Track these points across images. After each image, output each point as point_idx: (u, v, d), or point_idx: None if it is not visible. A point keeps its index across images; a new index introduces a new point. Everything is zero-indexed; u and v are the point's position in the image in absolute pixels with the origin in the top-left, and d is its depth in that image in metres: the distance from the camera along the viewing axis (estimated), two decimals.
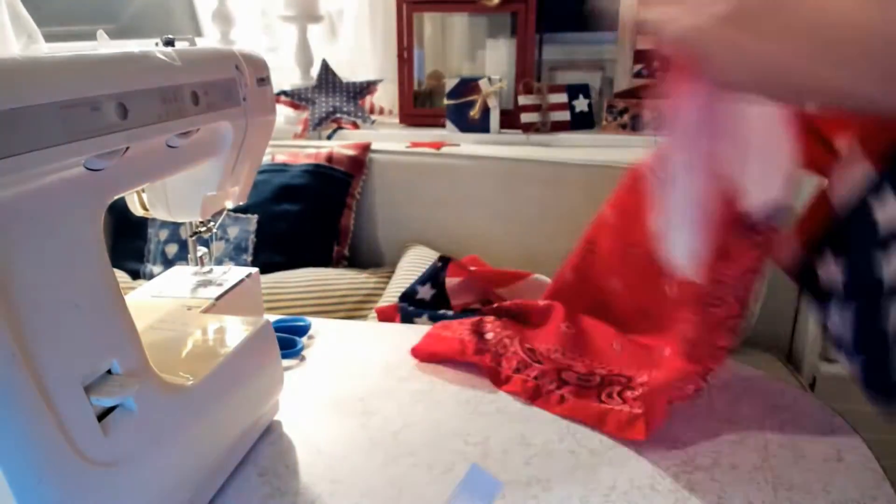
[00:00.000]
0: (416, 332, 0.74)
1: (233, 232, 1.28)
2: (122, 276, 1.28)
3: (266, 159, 1.36)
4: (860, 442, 0.54)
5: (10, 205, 0.33)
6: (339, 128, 1.51)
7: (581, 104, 1.48)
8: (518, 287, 0.92)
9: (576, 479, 0.50)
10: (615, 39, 1.49)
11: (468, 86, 1.43)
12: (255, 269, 0.65)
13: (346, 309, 1.17)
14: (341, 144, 1.39)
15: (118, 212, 1.33)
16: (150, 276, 1.26)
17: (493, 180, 1.33)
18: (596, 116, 1.50)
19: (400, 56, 1.51)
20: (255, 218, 1.28)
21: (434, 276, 0.92)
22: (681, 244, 0.50)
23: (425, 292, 0.91)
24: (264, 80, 0.55)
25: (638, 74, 1.48)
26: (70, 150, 0.34)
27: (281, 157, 1.37)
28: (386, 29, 1.61)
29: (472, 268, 0.94)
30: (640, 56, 1.47)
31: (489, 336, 0.68)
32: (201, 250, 0.62)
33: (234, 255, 1.26)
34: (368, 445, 0.54)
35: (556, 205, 1.29)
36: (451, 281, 0.91)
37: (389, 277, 1.25)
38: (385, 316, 0.91)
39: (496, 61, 1.53)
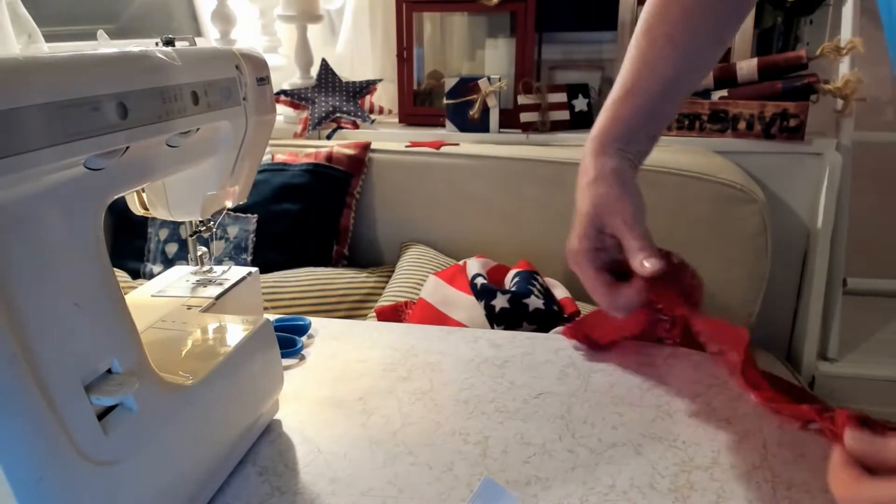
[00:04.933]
0: (416, 331, 0.74)
1: (233, 231, 1.28)
2: (122, 275, 1.28)
3: (266, 159, 1.36)
4: None
5: (9, 204, 0.33)
6: (339, 127, 1.51)
7: (580, 104, 1.48)
8: None
9: (575, 478, 0.50)
10: (615, 39, 1.49)
11: (468, 85, 1.43)
12: (254, 269, 0.65)
13: (346, 308, 1.17)
14: (341, 144, 1.39)
15: (118, 212, 1.33)
16: (150, 276, 1.26)
17: (492, 180, 1.33)
18: (595, 116, 1.50)
19: (399, 55, 1.51)
20: (254, 217, 1.28)
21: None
22: None
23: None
24: (264, 80, 0.55)
25: None
26: (70, 150, 0.35)
27: (281, 157, 1.37)
28: (385, 28, 1.61)
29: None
30: None
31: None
32: (201, 249, 0.62)
33: (234, 254, 1.26)
34: (368, 445, 0.54)
35: (555, 204, 1.29)
36: None
37: (389, 277, 1.25)
38: (384, 315, 0.91)
39: (496, 61, 1.53)
